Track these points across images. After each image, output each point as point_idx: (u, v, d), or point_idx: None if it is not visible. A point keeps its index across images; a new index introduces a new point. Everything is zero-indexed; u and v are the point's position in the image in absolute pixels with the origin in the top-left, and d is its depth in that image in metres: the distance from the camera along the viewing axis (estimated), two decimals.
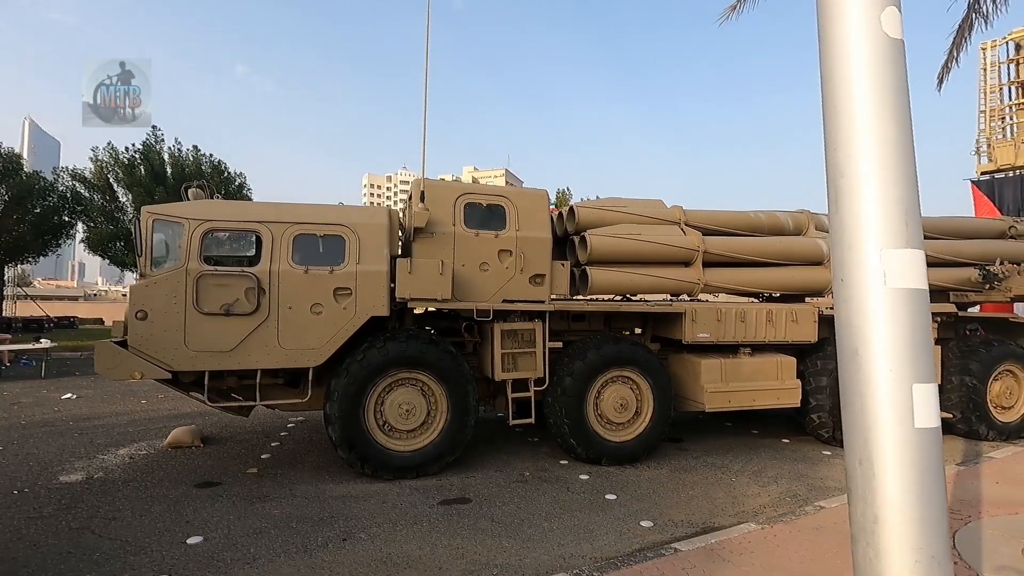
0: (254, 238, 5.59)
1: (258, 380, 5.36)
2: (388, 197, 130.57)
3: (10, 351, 12.88)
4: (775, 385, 6.75)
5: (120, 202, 19.64)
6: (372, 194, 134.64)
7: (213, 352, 5.16)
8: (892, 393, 1.35)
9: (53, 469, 5.74)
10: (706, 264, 7.04)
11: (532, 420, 6.09)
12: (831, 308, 7.36)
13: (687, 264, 7.00)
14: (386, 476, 5.50)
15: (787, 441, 7.31)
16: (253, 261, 5.51)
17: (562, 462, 6.20)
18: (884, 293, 1.38)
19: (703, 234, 7.06)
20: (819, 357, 7.08)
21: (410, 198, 6.22)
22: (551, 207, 6.68)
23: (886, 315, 1.37)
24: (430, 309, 6.61)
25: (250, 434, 7.24)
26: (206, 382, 5.27)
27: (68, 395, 9.81)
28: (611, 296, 7.13)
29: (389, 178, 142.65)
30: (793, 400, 6.82)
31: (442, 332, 6.38)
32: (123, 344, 5.07)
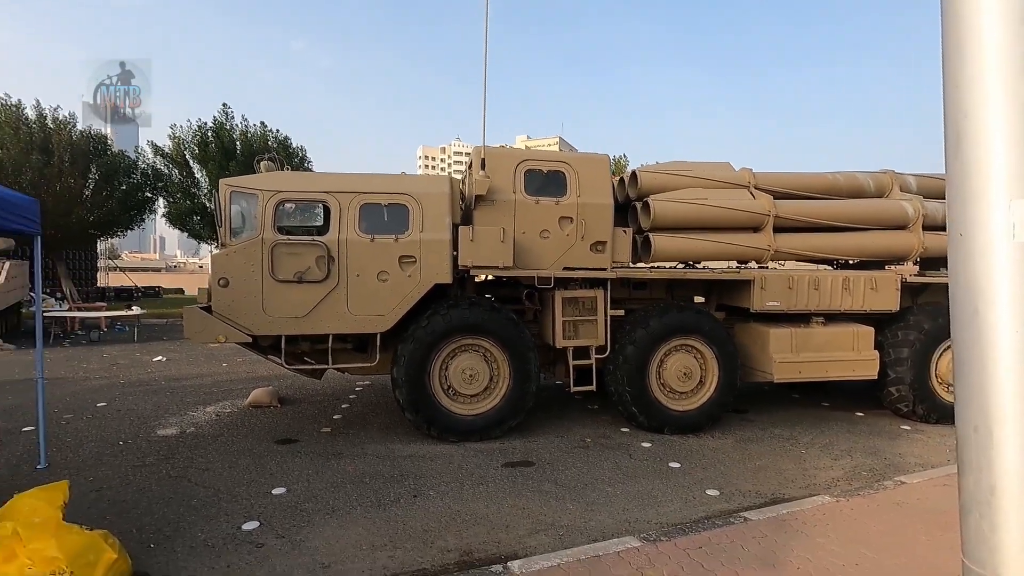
0: (322, 208, 5.76)
1: (330, 344, 5.61)
2: (442, 169, 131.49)
3: (106, 317, 14.07)
4: (850, 356, 6.43)
5: (196, 178, 20.78)
6: (427, 166, 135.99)
7: (288, 317, 5.43)
8: (1018, 355, 1.24)
9: (151, 423, 6.28)
10: (777, 229, 6.70)
11: (593, 387, 6.10)
12: (915, 276, 6.92)
13: (756, 230, 6.69)
14: (451, 438, 5.68)
15: (861, 414, 6.99)
16: (322, 230, 5.70)
17: (623, 430, 6.19)
18: (1012, 248, 1.25)
19: (774, 198, 6.71)
20: (900, 327, 6.67)
21: (470, 166, 6.22)
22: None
23: (1013, 271, 1.25)
24: (490, 277, 6.67)
25: (322, 396, 7.63)
26: (283, 346, 5.56)
27: (159, 358, 10.66)
28: (674, 263, 6.95)
29: (443, 149, 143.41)
30: (870, 372, 6.49)
31: (502, 300, 6.43)
32: (208, 310, 5.41)
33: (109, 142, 20.94)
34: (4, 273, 12.23)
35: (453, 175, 6.33)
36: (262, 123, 21.61)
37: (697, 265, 6.99)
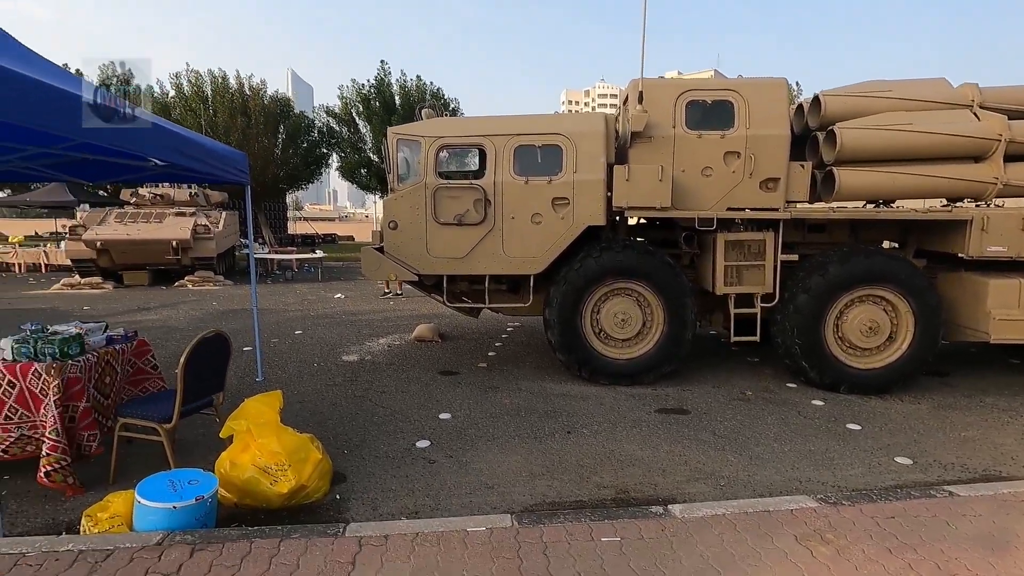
0: (478, 152, 5.89)
1: (487, 285, 5.85)
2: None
3: (297, 260, 16.27)
4: None
5: (361, 133, 22.70)
6: (570, 110, 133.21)
7: (449, 258, 5.73)
8: None
9: (337, 351, 7.19)
10: (1008, 158, 5.44)
11: (757, 339, 5.65)
12: None
13: (978, 159, 5.50)
14: (602, 381, 5.69)
15: None
16: (478, 174, 5.84)
17: (789, 385, 5.70)
18: None
19: (1008, 118, 5.42)
20: None
21: (626, 100, 5.88)
22: None
23: None
24: (643, 220, 6.38)
25: (477, 333, 8.10)
26: (444, 285, 5.93)
27: (338, 295, 12.10)
28: (861, 203, 6.03)
29: (587, 92, 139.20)
30: None
31: (658, 243, 6.14)
32: (381, 251, 5.92)
33: (292, 104, 23.58)
34: (222, 221, 14.62)
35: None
36: (418, 77, 22.67)
37: (890, 204, 5.99)
